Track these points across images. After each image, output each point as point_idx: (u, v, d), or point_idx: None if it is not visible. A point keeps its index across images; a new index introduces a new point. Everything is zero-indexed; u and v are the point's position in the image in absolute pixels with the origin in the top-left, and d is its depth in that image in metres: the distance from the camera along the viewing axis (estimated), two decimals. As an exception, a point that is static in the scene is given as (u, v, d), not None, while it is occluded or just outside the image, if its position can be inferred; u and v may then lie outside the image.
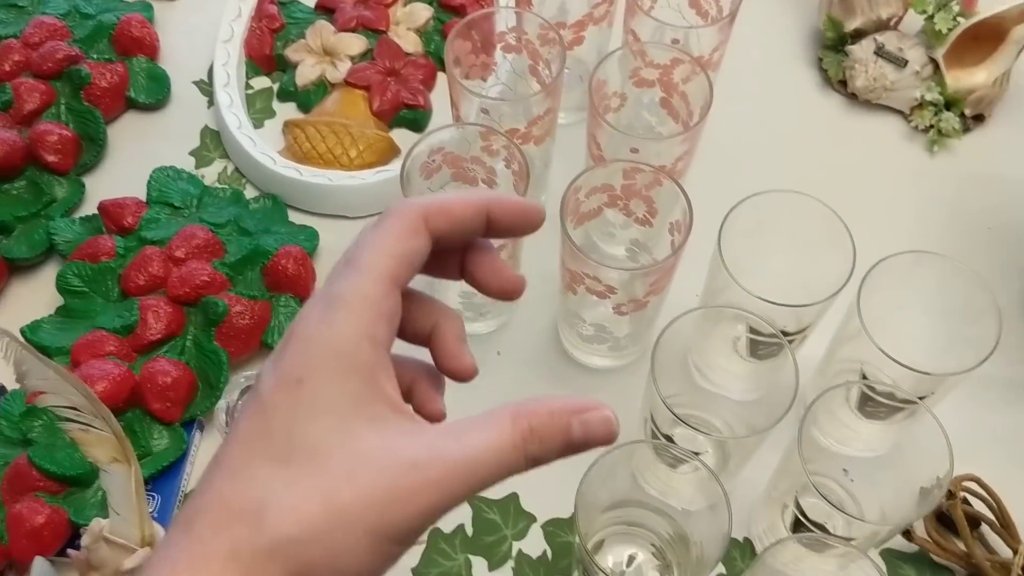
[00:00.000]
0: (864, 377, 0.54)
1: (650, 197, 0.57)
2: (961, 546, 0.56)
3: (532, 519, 0.59)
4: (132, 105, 0.74)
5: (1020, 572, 0.54)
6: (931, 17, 0.71)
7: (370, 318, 0.30)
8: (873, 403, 0.53)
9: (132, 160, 0.72)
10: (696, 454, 0.50)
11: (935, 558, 0.57)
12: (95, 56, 0.74)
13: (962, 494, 0.57)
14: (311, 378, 0.29)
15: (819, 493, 0.46)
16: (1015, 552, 0.55)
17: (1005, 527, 0.56)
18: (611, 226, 0.61)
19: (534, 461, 0.30)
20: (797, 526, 0.52)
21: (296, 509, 0.27)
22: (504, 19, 0.62)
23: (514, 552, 0.58)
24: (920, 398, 0.52)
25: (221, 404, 0.47)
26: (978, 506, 0.57)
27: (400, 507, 0.28)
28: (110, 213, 0.66)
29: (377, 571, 0.28)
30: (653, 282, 0.54)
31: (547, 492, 0.59)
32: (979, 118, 0.73)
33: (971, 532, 0.57)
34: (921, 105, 0.72)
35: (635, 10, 0.61)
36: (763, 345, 0.54)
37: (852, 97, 0.74)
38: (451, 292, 0.63)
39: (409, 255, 0.31)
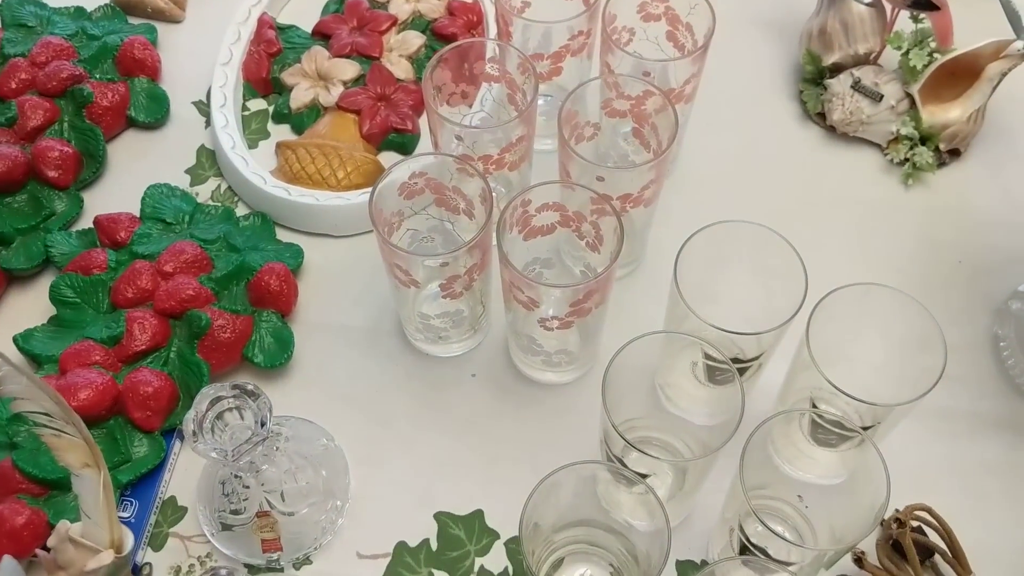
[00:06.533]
0: (814, 405, 0.55)
1: (597, 224, 0.59)
2: (911, 574, 0.57)
3: (496, 536, 0.60)
4: (132, 123, 0.77)
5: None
6: (907, 53, 0.72)
7: None
8: (823, 431, 0.54)
9: (130, 177, 0.75)
10: (645, 476, 0.51)
11: (887, 585, 0.58)
12: (99, 76, 0.77)
13: (917, 523, 0.58)
14: None
15: (758, 518, 0.47)
16: (966, 582, 0.56)
17: (956, 557, 0.57)
18: (573, 246, 0.63)
19: None
20: (744, 550, 0.53)
21: None
22: (487, 50, 0.65)
23: (476, 568, 0.59)
24: (869, 427, 0.53)
25: (190, 414, 0.49)
26: (934, 536, 0.58)
27: None
28: (104, 227, 0.69)
29: None
30: (573, 303, 0.56)
31: (512, 509, 0.61)
32: (954, 152, 0.74)
33: (924, 562, 0.58)
34: (897, 139, 0.73)
35: (609, 45, 0.63)
36: (719, 371, 0.55)
37: (831, 130, 0.75)
38: (412, 322, 0.65)
39: None
